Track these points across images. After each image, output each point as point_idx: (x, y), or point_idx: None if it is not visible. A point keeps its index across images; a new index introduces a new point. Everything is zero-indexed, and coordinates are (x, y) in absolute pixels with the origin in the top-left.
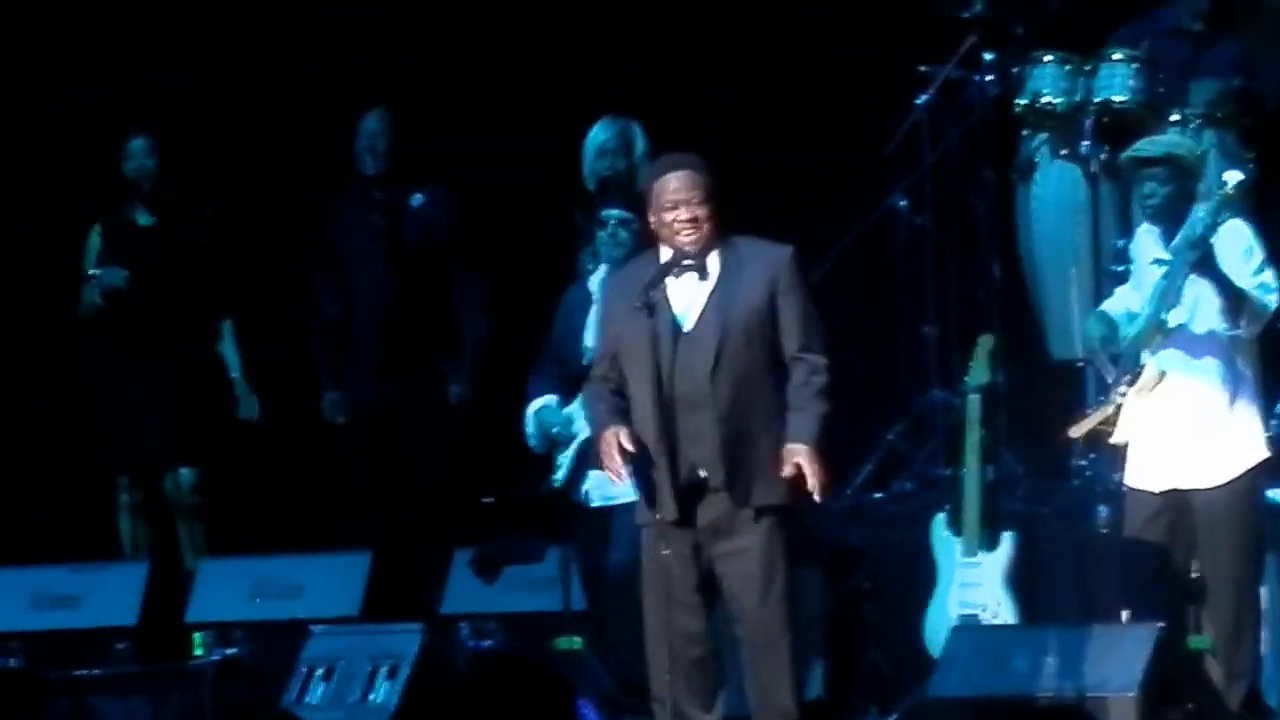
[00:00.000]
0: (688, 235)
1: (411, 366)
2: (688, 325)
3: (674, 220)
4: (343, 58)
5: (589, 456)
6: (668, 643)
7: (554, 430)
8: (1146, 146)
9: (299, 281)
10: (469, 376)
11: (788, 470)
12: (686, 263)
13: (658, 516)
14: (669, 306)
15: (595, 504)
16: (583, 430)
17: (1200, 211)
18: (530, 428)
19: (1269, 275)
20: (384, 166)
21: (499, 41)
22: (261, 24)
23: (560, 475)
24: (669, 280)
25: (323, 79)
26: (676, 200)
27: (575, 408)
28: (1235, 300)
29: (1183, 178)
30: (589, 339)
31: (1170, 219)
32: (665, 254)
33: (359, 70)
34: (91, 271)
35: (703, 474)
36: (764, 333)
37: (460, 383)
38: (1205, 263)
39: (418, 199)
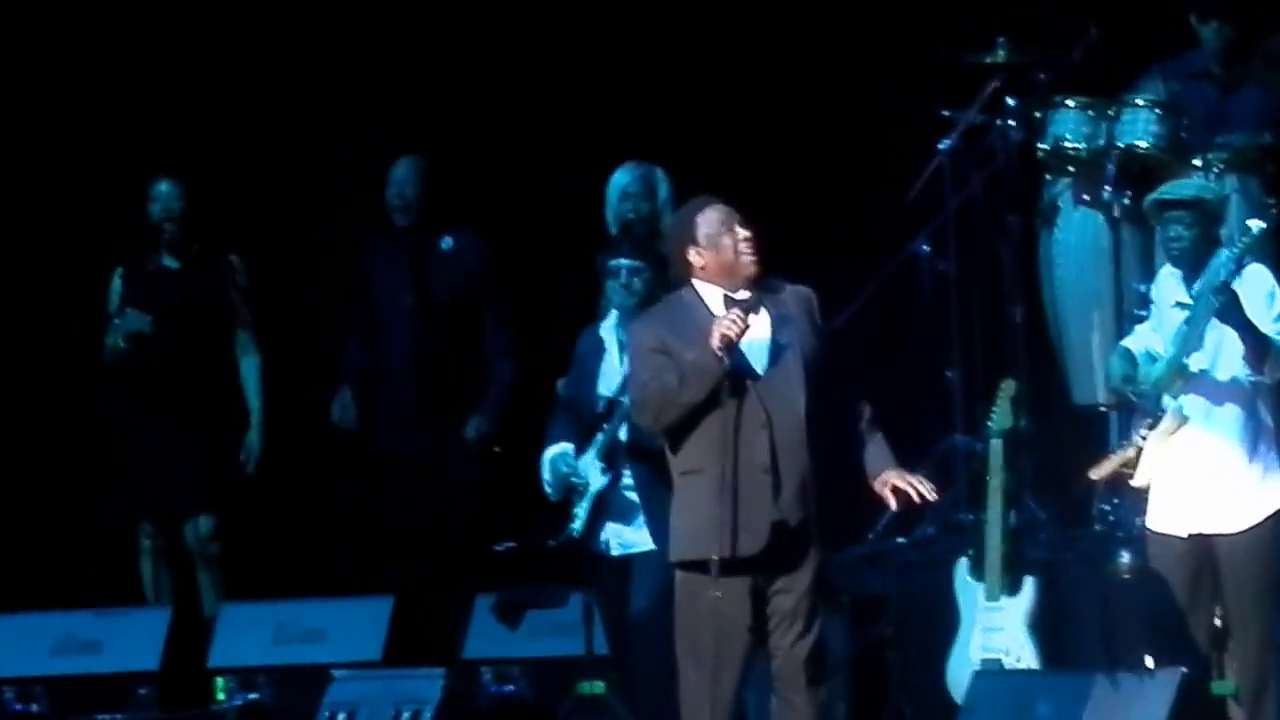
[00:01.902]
0: (751, 256)
1: (443, 412)
2: (761, 364)
3: (735, 243)
4: (372, 103)
5: (605, 506)
6: (716, 682)
7: (569, 478)
8: (1173, 189)
9: (323, 329)
10: (491, 414)
11: (891, 494)
12: (742, 297)
13: (717, 555)
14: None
15: (615, 553)
16: (597, 481)
17: (1223, 256)
18: (546, 475)
19: None
20: (414, 215)
21: (523, 87)
22: (290, 70)
23: (577, 525)
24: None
25: (352, 126)
26: (730, 223)
27: (590, 457)
28: (1259, 346)
29: (1207, 222)
30: (603, 387)
31: (1194, 262)
32: (708, 291)
33: (389, 116)
34: (115, 316)
35: (789, 512)
36: (817, 369)
37: (481, 416)
38: (1229, 309)
39: (447, 243)
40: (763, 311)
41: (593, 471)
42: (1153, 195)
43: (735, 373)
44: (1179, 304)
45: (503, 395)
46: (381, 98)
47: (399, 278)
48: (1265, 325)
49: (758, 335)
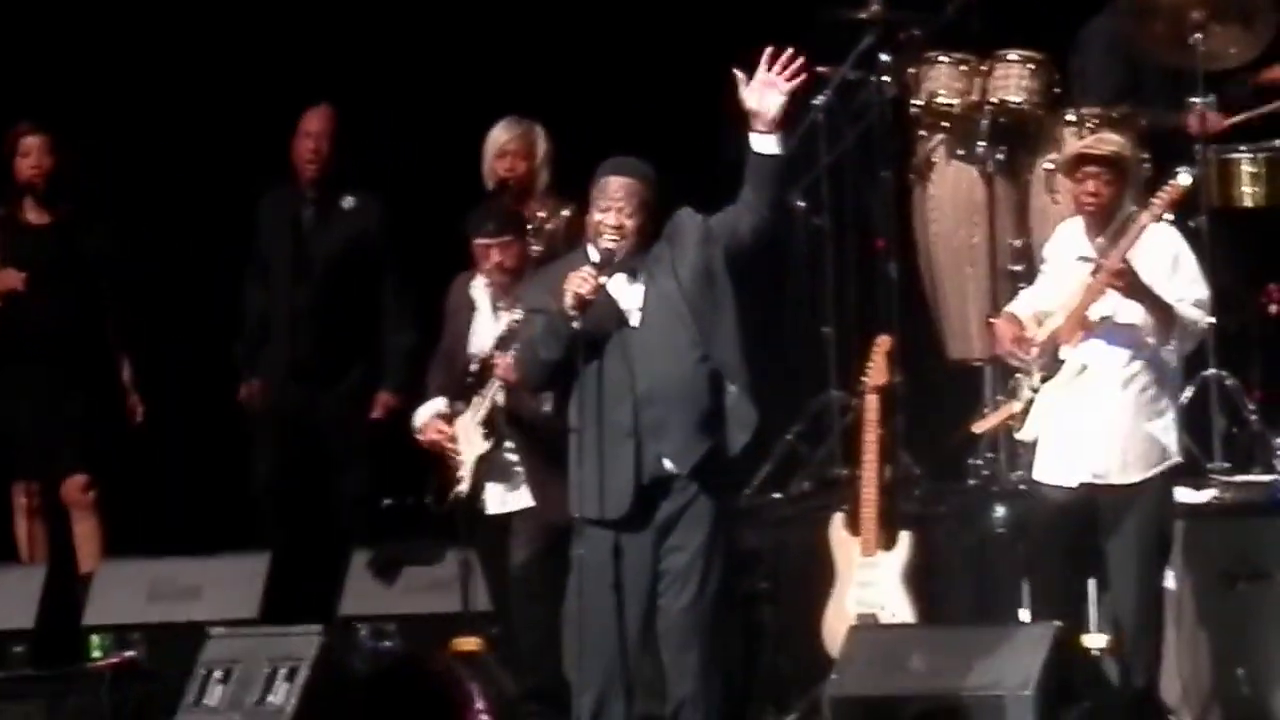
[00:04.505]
0: (609, 239)
1: (330, 368)
2: (634, 321)
3: (601, 222)
4: (260, 58)
5: (488, 468)
6: (584, 639)
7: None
8: (1095, 144)
9: (204, 282)
10: (395, 387)
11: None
12: (616, 261)
13: (579, 515)
14: (613, 303)
15: (492, 511)
16: (478, 446)
17: (1144, 220)
18: (419, 435)
19: (1201, 289)
20: (322, 169)
21: (405, 43)
22: (170, 20)
23: (462, 489)
24: (606, 279)
25: (239, 79)
26: (609, 204)
27: (469, 422)
28: (1164, 317)
29: (1123, 180)
30: (475, 345)
31: (1105, 218)
32: (593, 254)
33: (276, 70)
34: None
35: (668, 466)
36: (706, 307)
37: (388, 391)
38: (1132, 284)
39: (349, 202)
40: (632, 274)
41: (475, 436)
42: (1073, 149)
43: (592, 334)
44: (1082, 257)
45: (405, 365)
46: (278, 53)
47: (295, 231)
48: (1168, 293)
49: (624, 298)
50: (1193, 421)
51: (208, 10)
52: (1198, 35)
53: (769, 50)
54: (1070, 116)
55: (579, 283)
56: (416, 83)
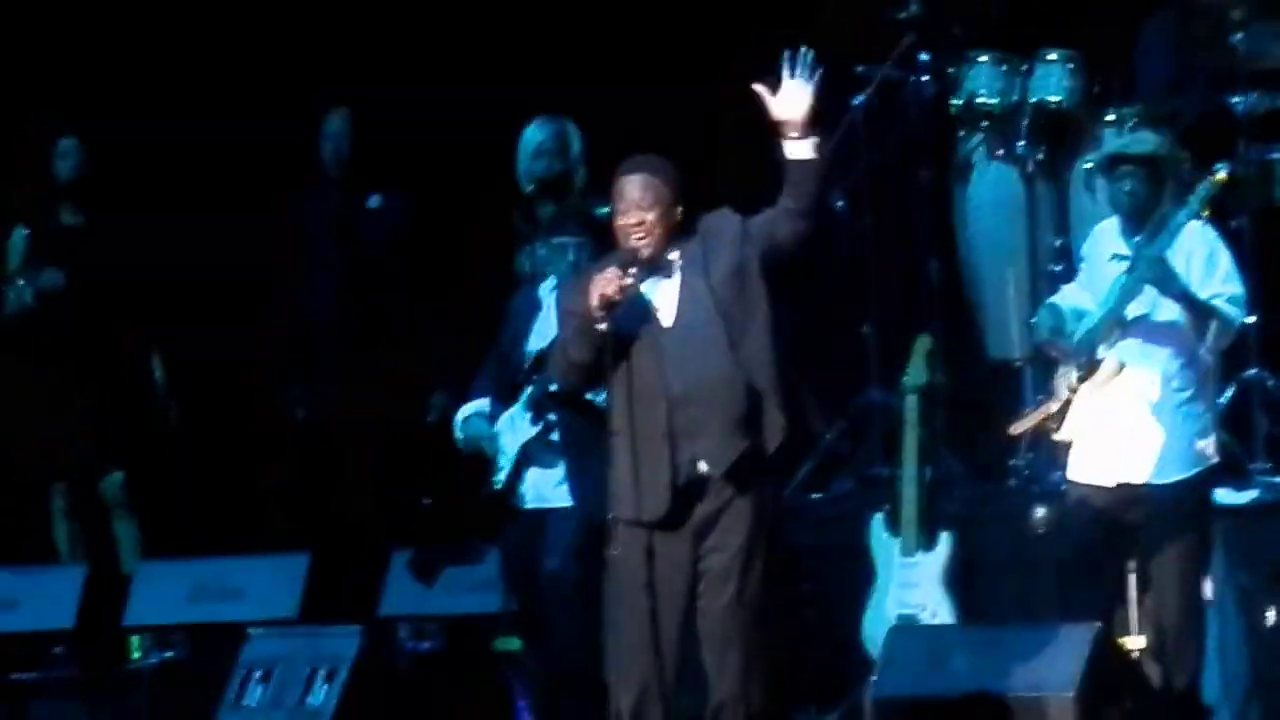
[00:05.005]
0: (636, 239)
1: (364, 369)
2: (667, 322)
3: (624, 224)
4: (279, 60)
5: (530, 458)
6: (621, 641)
7: (479, 441)
8: (1130, 144)
9: (234, 285)
10: (450, 392)
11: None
12: (645, 256)
13: (614, 516)
14: (645, 303)
15: (529, 505)
16: (525, 431)
17: (1180, 215)
18: (458, 432)
19: (1236, 285)
20: (346, 169)
21: (430, 42)
22: (192, 17)
23: (500, 478)
24: (633, 279)
25: (258, 81)
26: (628, 205)
27: (518, 409)
28: (1199, 316)
29: (1159, 179)
30: (533, 343)
31: (1142, 217)
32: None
33: (295, 73)
34: (19, 273)
35: (703, 467)
36: (736, 309)
37: (444, 395)
38: (1166, 279)
39: (375, 201)
40: (664, 273)
41: (521, 423)
42: (1108, 149)
43: (620, 335)
44: (1117, 255)
45: (449, 366)
46: (297, 55)
47: (327, 234)
48: (1204, 289)
49: (655, 297)
50: (1235, 422)
51: (231, 12)
52: (1239, 35)
53: (786, 53)
54: (1110, 116)
55: (605, 284)
56: (437, 82)
